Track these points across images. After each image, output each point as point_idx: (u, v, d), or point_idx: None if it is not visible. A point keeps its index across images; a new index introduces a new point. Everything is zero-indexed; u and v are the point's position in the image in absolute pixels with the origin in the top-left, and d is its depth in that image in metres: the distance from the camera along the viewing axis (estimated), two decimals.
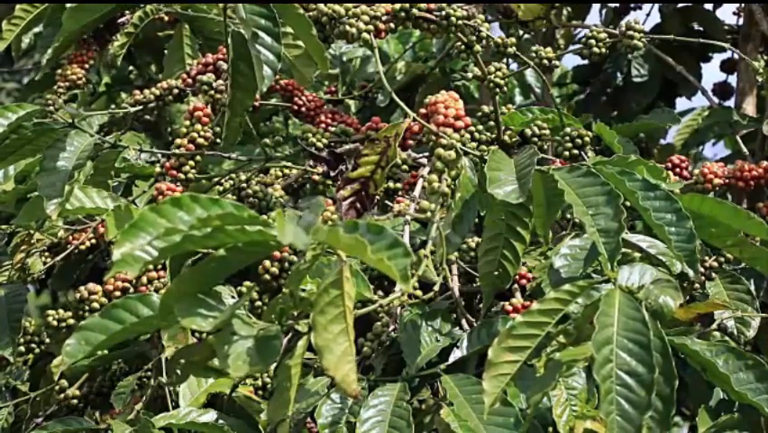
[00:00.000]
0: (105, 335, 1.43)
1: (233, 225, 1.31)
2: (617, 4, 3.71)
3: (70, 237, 2.33)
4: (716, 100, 3.26)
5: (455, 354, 1.81)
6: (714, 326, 2.03)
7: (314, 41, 2.07)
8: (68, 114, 2.09)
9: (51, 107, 2.12)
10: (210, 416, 1.79)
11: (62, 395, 2.16)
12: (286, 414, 1.42)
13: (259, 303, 1.99)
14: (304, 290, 1.43)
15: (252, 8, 1.95)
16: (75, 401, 2.17)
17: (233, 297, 1.42)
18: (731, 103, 3.18)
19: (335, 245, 1.33)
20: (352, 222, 1.33)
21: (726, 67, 3.66)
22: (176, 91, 2.32)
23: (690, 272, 1.54)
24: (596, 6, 3.71)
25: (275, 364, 1.46)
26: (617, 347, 1.38)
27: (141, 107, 2.32)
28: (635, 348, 1.38)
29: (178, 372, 1.46)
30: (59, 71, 2.69)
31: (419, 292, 1.90)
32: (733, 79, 3.51)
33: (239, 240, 1.34)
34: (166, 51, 2.78)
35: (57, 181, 1.99)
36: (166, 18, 2.78)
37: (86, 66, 2.73)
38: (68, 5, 2.55)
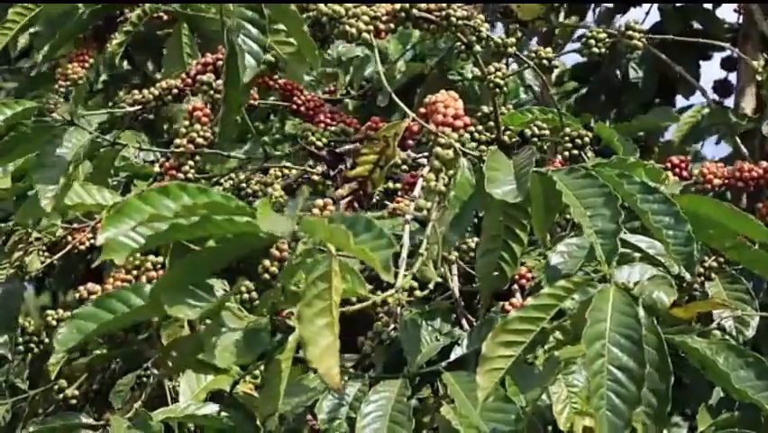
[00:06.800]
0: (97, 323, 1.43)
1: (221, 214, 1.31)
2: (616, 4, 3.71)
3: (68, 236, 2.33)
4: (715, 99, 3.26)
5: (456, 352, 1.81)
6: (713, 325, 2.03)
7: (305, 38, 2.05)
8: (67, 111, 2.08)
9: (51, 105, 2.11)
10: (209, 408, 1.78)
11: (61, 395, 2.16)
12: (275, 408, 1.42)
13: (258, 303, 1.99)
14: (297, 286, 1.43)
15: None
16: (74, 401, 2.17)
17: (225, 290, 1.42)
18: (731, 100, 3.18)
19: (318, 235, 1.32)
20: (338, 214, 1.33)
21: (727, 64, 3.65)
22: (175, 91, 2.32)
23: (687, 275, 1.54)
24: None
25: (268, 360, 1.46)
26: (609, 342, 1.38)
27: (140, 107, 2.32)
28: (627, 343, 1.38)
29: (170, 363, 1.46)
30: (59, 69, 2.69)
31: (417, 292, 1.90)
32: (733, 77, 3.51)
33: (227, 231, 1.34)
34: (165, 50, 2.78)
35: (53, 174, 1.97)
36: (165, 17, 2.78)
37: (87, 65, 2.72)
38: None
